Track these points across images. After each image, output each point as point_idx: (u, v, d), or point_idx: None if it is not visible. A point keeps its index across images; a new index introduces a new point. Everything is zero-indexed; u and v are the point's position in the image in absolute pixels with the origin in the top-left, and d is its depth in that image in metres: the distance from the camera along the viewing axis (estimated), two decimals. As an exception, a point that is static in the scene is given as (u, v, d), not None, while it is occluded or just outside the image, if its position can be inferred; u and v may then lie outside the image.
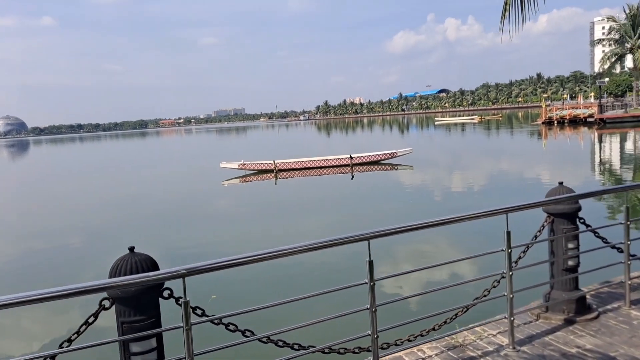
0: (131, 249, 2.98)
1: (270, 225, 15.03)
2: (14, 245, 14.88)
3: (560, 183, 4.62)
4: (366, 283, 3.43)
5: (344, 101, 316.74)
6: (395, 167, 28.94)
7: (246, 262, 3.05)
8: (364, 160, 30.12)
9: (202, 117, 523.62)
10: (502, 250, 4.07)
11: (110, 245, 13.65)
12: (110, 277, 2.88)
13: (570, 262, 4.58)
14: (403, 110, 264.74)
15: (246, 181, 27.81)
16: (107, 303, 2.82)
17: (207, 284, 8.88)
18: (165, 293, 2.97)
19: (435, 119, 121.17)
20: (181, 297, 2.80)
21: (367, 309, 3.43)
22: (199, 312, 3.12)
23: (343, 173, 28.09)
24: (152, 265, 2.99)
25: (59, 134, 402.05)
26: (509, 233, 4.05)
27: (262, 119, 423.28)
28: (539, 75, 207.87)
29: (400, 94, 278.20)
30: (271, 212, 17.48)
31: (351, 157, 29.45)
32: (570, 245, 4.55)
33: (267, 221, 15.77)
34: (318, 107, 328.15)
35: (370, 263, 3.46)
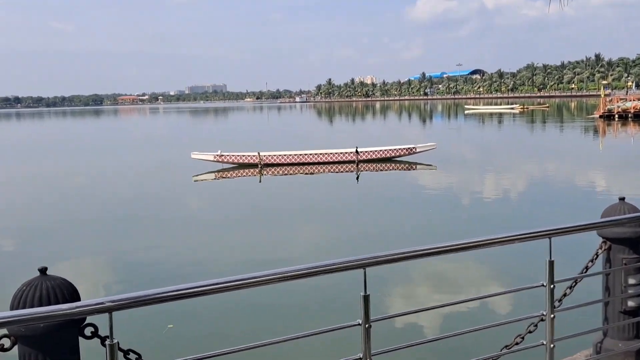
0: (42, 270, 2.81)
1: (246, 239, 14.91)
2: None
3: (622, 199, 4.48)
4: (359, 324, 3.27)
5: (352, 80, 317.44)
6: (414, 167, 28.88)
7: (201, 292, 2.88)
8: (374, 156, 30.04)
9: (172, 93, 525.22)
10: (542, 284, 3.92)
11: (16, 263, 13.03)
12: (11, 308, 2.71)
13: (631, 303, 4.45)
14: (426, 94, 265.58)
15: (223, 177, 27.72)
16: (6, 342, 2.65)
17: (158, 313, 8.73)
18: (88, 331, 2.79)
19: (466, 106, 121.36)
20: (107, 337, 2.62)
21: (360, 359, 3.27)
22: (133, 357, 2.94)
23: (346, 172, 28.02)
24: (71, 293, 2.82)
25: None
26: (551, 263, 3.90)
27: (248, 99, 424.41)
28: (597, 56, 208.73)
29: (423, 74, 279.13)
30: (250, 219, 17.37)
31: (357, 152, 29.39)
32: (632, 281, 4.42)
33: (242, 233, 15.67)
34: (319, 87, 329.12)
35: (366, 298, 3.30)
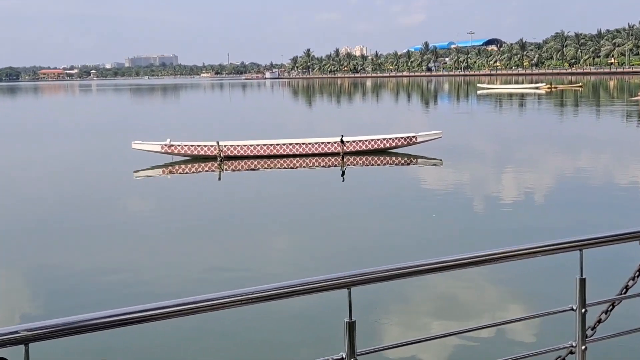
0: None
1: (201, 252, 14.90)
2: None
3: (670, 202, 4.54)
4: (342, 359, 3.29)
5: (336, 51, 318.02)
6: (414, 160, 29.03)
7: (143, 318, 2.88)
8: (364, 147, 30.14)
9: (108, 67, 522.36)
10: (572, 308, 3.96)
11: None
12: None
13: (681, 331, 4.50)
14: (429, 69, 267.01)
15: (172, 172, 27.60)
16: None
17: (89, 345, 8.69)
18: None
19: (479, 85, 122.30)
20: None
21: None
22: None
23: (329, 166, 28.09)
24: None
25: None
26: (583, 281, 3.94)
27: (205, 75, 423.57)
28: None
29: (426, 44, 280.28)
30: (207, 227, 17.34)
31: (343, 142, 29.48)
32: (682, 304, 4.47)
33: (197, 244, 15.63)
34: (295, 60, 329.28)
35: (351, 325, 3.32)
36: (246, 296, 3.08)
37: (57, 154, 34.75)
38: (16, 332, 2.58)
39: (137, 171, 27.29)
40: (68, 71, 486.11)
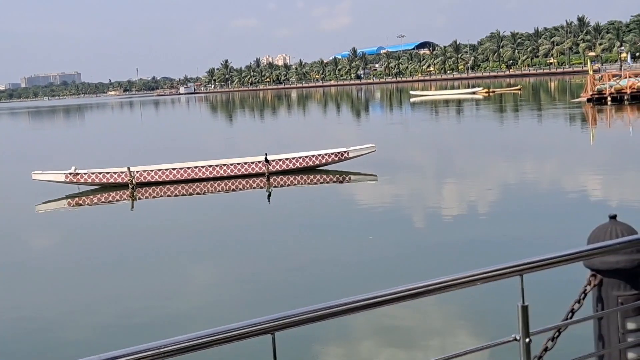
0: None
1: (112, 292, 14.63)
2: None
3: (613, 217, 4.64)
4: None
5: (257, 61, 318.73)
6: (347, 177, 29.22)
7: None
8: (292, 165, 30.16)
9: (1, 88, 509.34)
10: (515, 339, 4.01)
11: None
12: None
13: (631, 355, 4.60)
14: (358, 77, 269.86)
15: (79, 204, 27.14)
16: None
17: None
18: None
19: (412, 92, 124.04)
20: None
21: None
22: None
23: (253, 188, 28.03)
24: None
25: None
26: (525, 308, 3.99)
27: (113, 92, 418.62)
28: (581, 20, 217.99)
29: (354, 50, 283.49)
30: (116, 266, 16.99)
31: (267, 161, 29.45)
32: (631, 326, 4.57)
33: (107, 283, 15.37)
34: (211, 72, 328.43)
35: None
36: (156, 351, 3.02)
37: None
38: None
39: (40, 204, 26.75)
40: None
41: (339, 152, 30.91)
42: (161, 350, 3.02)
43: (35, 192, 28.46)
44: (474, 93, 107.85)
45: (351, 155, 30.88)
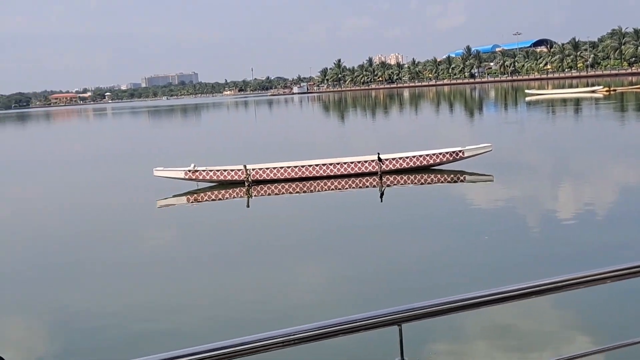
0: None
1: (232, 288, 14.96)
2: None
3: None
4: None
5: (369, 61, 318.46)
6: (461, 177, 28.91)
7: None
8: (405, 165, 30.04)
9: (123, 88, 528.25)
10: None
11: None
12: None
13: None
14: (472, 75, 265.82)
15: (197, 200, 27.81)
16: None
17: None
18: None
19: (528, 90, 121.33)
20: None
21: None
22: None
23: (365, 187, 28.06)
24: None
25: None
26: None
27: (228, 92, 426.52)
28: None
29: (468, 49, 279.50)
30: (236, 260, 17.42)
31: (380, 160, 29.42)
32: None
33: (227, 279, 15.72)
34: (324, 72, 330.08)
35: (402, 368, 3.31)
36: (286, 337, 3.08)
37: (74, 185, 35.14)
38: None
39: (161, 200, 27.52)
40: (81, 94, 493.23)
41: (453, 152, 30.55)
42: (290, 337, 3.09)
43: (156, 188, 29.37)
44: (593, 92, 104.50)
45: (466, 154, 30.47)
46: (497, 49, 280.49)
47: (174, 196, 28.12)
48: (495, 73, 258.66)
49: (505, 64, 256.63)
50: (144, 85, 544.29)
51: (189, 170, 29.49)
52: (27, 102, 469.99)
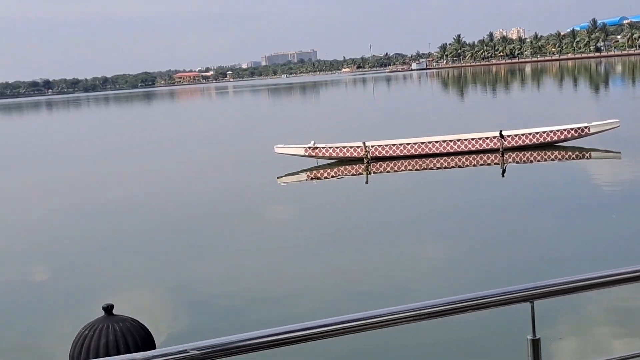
0: (107, 309, 2.99)
1: (357, 264, 15.07)
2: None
3: None
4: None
5: (490, 35, 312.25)
6: (587, 154, 28.12)
7: (307, 337, 2.97)
8: (527, 141, 29.39)
9: (244, 67, 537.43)
10: None
11: (69, 298, 14.03)
12: (71, 358, 2.89)
13: None
14: (598, 49, 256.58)
15: (317, 177, 28.11)
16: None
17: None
18: (166, 388, 2.94)
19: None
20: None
21: None
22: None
23: (487, 164, 27.65)
24: (143, 338, 2.98)
25: (15, 96, 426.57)
26: None
27: (346, 69, 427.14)
28: None
29: (594, 21, 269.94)
30: (359, 237, 17.50)
31: (502, 137, 28.89)
32: None
33: (351, 255, 15.81)
34: (443, 48, 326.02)
35: (535, 343, 3.27)
36: (416, 312, 3.09)
37: (195, 163, 36.06)
38: (185, 351, 2.72)
39: (281, 177, 27.91)
40: (203, 73, 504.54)
41: (578, 128, 29.64)
42: (421, 312, 3.10)
43: (277, 165, 29.81)
44: None
45: (592, 131, 29.50)
46: (624, 22, 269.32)
47: (294, 173, 28.46)
48: (623, 46, 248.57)
49: (634, 36, 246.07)
50: (264, 63, 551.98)
51: (309, 147, 29.79)
52: (153, 81, 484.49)
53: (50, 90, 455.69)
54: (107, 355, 2.85)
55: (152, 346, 2.99)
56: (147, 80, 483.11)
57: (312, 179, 28.02)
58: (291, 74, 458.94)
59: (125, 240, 18.78)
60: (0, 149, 58.02)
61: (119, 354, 2.85)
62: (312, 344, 3.08)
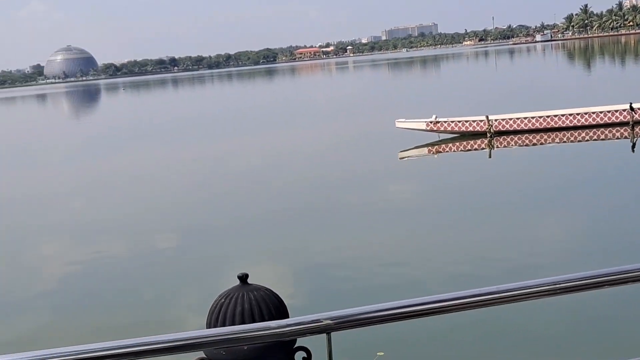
0: (243, 278, 3.04)
1: (476, 237, 14.96)
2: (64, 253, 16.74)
3: None
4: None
5: (619, 5, 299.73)
6: None
7: (444, 309, 2.94)
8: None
9: (364, 41, 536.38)
10: None
11: (203, 264, 14.60)
12: (208, 325, 2.96)
13: None
14: None
15: (439, 152, 27.91)
16: (202, 368, 2.91)
17: (368, 336, 9.05)
18: (299, 356, 2.99)
19: None
20: (324, 364, 2.79)
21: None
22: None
23: (616, 138, 26.68)
24: (277, 307, 3.03)
25: (143, 73, 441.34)
26: None
27: (468, 42, 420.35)
28: None
29: None
30: (479, 211, 17.31)
31: (632, 109, 27.76)
32: None
33: (471, 229, 15.69)
34: (569, 18, 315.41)
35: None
36: (553, 286, 3.02)
37: (316, 138, 36.42)
38: (319, 320, 2.75)
39: (402, 151, 27.81)
40: (324, 49, 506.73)
41: None
42: (556, 286, 3.02)
43: (398, 139, 29.69)
44: None
45: None
46: None
47: (415, 147, 28.30)
48: None
49: None
50: (384, 38, 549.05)
51: (430, 122, 29.45)
52: (274, 57, 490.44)
53: (175, 68, 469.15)
54: (243, 322, 2.91)
55: (285, 315, 3.04)
56: (269, 56, 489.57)
57: (433, 153, 27.79)
58: (411, 47, 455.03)
59: (252, 213, 19.20)
60: (134, 124, 60.19)
61: (253, 321, 2.91)
62: (444, 318, 3.05)
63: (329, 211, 18.77)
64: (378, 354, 8.95)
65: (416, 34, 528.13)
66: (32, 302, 13.34)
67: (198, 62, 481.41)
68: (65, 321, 12.10)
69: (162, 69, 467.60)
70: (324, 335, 2.80)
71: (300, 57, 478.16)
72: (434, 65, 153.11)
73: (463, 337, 9.45)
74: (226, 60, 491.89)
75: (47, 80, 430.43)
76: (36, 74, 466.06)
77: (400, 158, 27.07)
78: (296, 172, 25.89)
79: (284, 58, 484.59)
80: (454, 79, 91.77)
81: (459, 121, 29.55)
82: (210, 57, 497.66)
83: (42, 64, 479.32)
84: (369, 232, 15.97)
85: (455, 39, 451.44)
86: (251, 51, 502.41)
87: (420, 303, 2.90)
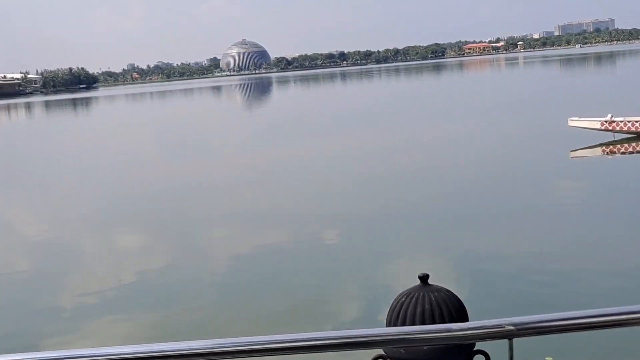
0: (423, 278, 3.04)
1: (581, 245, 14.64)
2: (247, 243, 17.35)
3: None
4: None
5: None
6: None
7: (633, 321, 2.82)
8: None
9: (536, 37, 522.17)
10: None
11: (390, 265, 14.58)
12: (388, 323, 2.98)
13: None
14: None
15: (613, 152, 26.93)
16: (382, 364, 2.93)
17: (541, 338, 8.86)
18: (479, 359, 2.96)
19: None
20: (506, 372, 2.74)
21: None
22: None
23: None
24: (458, 310, 3.00)
25: (313, 67, 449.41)
26: None
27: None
28: None
29: None
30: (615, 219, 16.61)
31: None
32: None
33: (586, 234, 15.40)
34: None
35: None
36: None
37: (484, 134, 35.97)
38: (501, 326, 2.70)
39: (574, 150, 27.05)
40: (494, 44, 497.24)
41: None
42: None
43: (570, 138, 28.83)
44: None
45: None
46: None
47: (588, 147, 27.44)
48: None
49: None
50: (557, 33, 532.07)
51: (605, 121, 28.30)
52: (443, 52, 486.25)
53: (344, 62, 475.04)
54: (423, 323, 2.90)
55: (465, 318, 3.01)
56: (437, 51, 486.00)
57: (608, 154, 26.79)
58: (585, 43, 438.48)
59: (425, 209, 19.35)
60: (303, 115, 61.58)
61: (433, 322, 2.89)
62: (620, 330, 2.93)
63: (502, 210, 18.52)
64: (547, 358, 8.82)
65: (591, 30, 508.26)
66: (202, 290, 13.90)
67: (367, 57, 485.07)
68: (235, 309, 12.55)
69: (332, 63, 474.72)
70: (506, 341, 2.75)
71: (469, 53, 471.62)
72: (609, 62, 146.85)
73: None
74: (394, 55, 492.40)
75: (223, 73, 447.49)
76: (213, 66, 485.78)
77: (572, 157, 26.37)
78: (464, 167, 25.78)
79: (452, 53, 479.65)
80: (632, 76, 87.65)
81: (636, 121, 28.17)
82: (378, 51, 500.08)
83: (218, 57, 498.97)
84: (543, 233, 15.66)
85: (634, 34, 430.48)
86: (419, 46, 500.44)
87: (607, 314, 2.79)
